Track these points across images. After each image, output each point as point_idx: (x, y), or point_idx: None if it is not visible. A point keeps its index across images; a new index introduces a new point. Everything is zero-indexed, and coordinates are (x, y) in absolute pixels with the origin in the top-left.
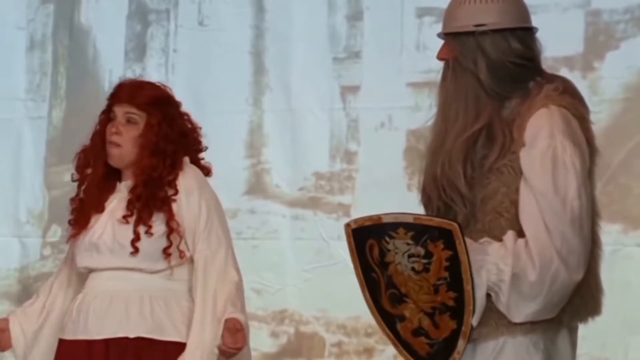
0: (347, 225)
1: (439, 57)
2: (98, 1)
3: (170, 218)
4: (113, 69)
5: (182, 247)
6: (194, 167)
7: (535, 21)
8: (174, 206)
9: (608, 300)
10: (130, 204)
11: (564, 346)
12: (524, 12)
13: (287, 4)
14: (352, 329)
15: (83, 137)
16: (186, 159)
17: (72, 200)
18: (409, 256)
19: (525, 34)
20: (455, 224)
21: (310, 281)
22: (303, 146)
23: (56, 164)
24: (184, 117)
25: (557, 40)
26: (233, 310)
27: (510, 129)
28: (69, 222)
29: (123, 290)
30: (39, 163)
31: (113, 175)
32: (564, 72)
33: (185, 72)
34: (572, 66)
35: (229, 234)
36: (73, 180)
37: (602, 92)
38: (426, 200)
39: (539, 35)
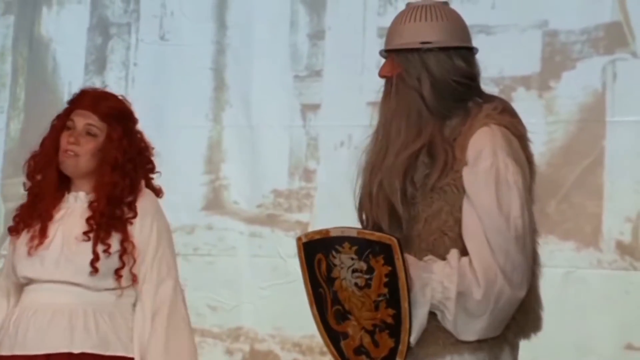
0: (298, 239)
1: (381, 75)
2: (59, 13)
3: (125, 239)
4: (72, 82)
5: (135, 270)
6: (150, 193)
7: (493, 41)
8: (129, 228)
9: (561, 323)
10: (90, 220)
11: None
12: (466, 33)
13: (249, 21)
14: (307, 347)
15: None
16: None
17: (21, 207)
18: (353, 271)
19: (468, 53)
20: (394, 239)
21: (266, 299)
22: (262, 163)
23: (12, 175)
24: (140, 135)
25: (515, 60)
26: None
27: (452, 148)
28: (10, 229)
29: (66, 303)
30: None
31: (62, 184)
32: (520, 91)
33: (146, 86)
34: (529, 85)
35: (176, 264)
36: (26, 190)
37: (557, 111)
38: (363, 218)
39: (498, 54)
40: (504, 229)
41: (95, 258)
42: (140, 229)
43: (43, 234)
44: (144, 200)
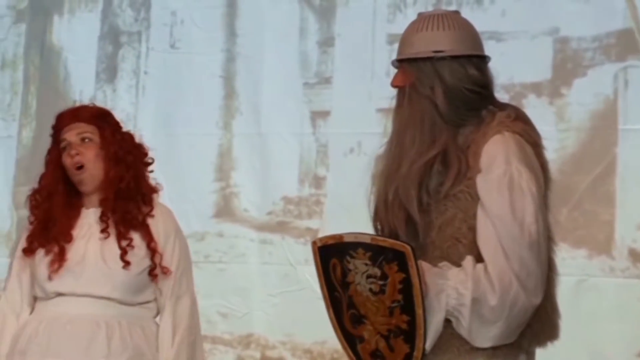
0: (314, 243)
1: (394, 85)
2: (70, 22)
3: (150, 240)
4: (84, 90)
5: (165, 262)
6: (166, 208)
7: (504, 48)
8: (151, 227)
9: (574, 331)
10: (104, 216)
11: None
12: (478, 41)
13: (259, 29)
14: (318, 354)
15: None
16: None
17: (33, 230)
18: (367, 277)
19: (480, 61)
20: (407, 246)
21: (277, 306)
22: (272, 170)
23: (24, 183)
24: (129, 134)
25: (526, 67)
26: None
27: (465, 156)
28: (25, 250)
29: (101, 315)
30: (8, 182)
31: (72, 204)
32: (531, 98)
33: (156, 94)
34: (540, 92)
35: (193, 278)
36: (30, 223)
37: (569, 118)
38: (379, 225)
39: (508, 61)
40: (518, 235)
41: (123, 252)
42: (164, 247)
43: (64, 251)
44: (165, 218)
